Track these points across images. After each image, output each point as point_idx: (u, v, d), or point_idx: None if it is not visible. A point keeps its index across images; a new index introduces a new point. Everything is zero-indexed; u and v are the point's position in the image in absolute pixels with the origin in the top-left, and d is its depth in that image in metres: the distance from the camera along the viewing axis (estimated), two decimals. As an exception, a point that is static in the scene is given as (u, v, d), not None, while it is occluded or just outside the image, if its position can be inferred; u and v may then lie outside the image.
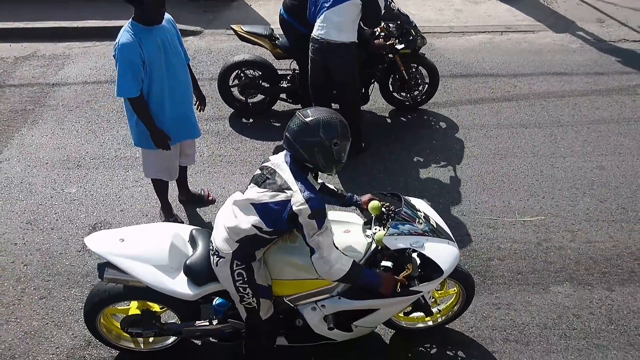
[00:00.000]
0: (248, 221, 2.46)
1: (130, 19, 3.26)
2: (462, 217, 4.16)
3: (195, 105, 3.82)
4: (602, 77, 5.96)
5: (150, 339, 3.10)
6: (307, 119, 2.40)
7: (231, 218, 2.54)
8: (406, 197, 2.86)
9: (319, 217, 2.36)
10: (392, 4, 4.75)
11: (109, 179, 4.53)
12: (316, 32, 4.31)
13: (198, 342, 3.22)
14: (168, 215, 4.01)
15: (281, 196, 2.41)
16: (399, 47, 4.74)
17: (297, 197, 2.36)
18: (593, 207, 4.26)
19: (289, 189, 2.41)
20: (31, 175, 4.56)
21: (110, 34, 3.29)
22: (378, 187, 4.34)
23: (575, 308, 3.48)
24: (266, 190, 2.45)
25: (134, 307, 2.95)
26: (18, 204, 4.26)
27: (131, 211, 4.21)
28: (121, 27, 3.32)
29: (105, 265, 2.73)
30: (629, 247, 3.92)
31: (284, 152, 2.56)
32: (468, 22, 7.11)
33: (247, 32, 5.00)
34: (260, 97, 5.28)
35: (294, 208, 2.36)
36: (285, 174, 2.46)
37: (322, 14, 4.24)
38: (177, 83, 3.47)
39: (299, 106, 5.23)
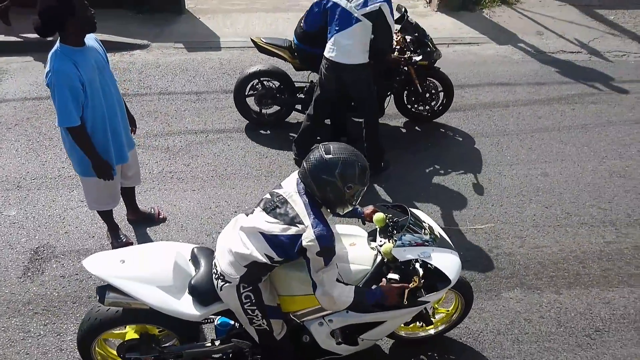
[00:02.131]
0: (259, 250, 2.42)
1: (58, 43, 3.03)
2: (416, 227, 4.20)
3: None
4: (543, 87, 6.21)
5: None
6: (327, 156, 2.35)
7: (239, 244, 2.48)
8: (411, 209, 2.87)
9: (327, 254, 2.36)
10: (409, 17, 4.84)
11: (51, 199, 4.32)
12: (327, 53, 4.33)
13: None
14: (115, 236, 3.86)
15: (292, 230, 2.38)
16: (417, 58, 4.76)
17: (308, 233, 2.34)
18: (539, 213, 4.42)
19: (301, 222, 2.38)
20: (-34, 198, 4.30)
21: (50, 48, 3.12)
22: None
23: (526, 312, 3.57)
24: (277, 221, 2.42)
25: (131, 332, 2.81)
26: (-49, 229, 4.00)
27: (76, 233, 4.02)
28: None
29: (105, 289, 2.59)
30: (574, 250, 4.07)
31: (295, 178, 2.52)
32: (415, 35, 7.26)
33: (267, 44, 5.00)
34: (275, 108, 5.26)
35: (304, 243, 2.35)
36: (298, 206, 2.42)
37: (332, 37, 4.25)
38: (113, 103, 3.31)
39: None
